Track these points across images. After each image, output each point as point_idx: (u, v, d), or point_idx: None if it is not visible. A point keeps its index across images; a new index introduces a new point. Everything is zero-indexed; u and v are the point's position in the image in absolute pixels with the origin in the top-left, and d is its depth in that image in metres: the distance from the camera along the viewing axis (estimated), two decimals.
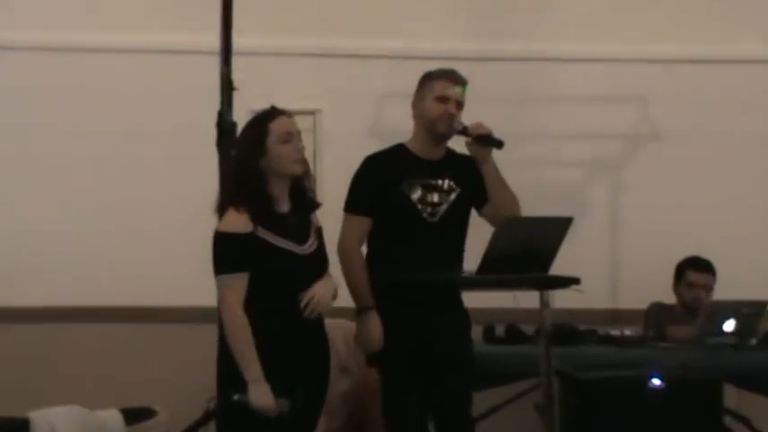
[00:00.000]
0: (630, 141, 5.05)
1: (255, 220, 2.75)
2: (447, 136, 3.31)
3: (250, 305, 2.75)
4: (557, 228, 3.09)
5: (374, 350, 3.20)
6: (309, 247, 2.82)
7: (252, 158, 2.79)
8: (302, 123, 4.92)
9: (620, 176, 5.03)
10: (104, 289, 4.73)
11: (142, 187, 4.83)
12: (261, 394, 2.68)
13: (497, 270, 3.01)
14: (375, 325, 3.18)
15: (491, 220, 3.31)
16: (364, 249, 3.35)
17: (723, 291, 4.45)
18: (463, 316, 3.35)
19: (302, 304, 2.75)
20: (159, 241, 4.77)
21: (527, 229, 3.08)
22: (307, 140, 5.02)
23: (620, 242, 5.00)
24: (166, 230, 4.77)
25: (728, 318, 4.05)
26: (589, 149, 5.03)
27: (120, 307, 4.73)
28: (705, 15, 5.03)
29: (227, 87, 3.50)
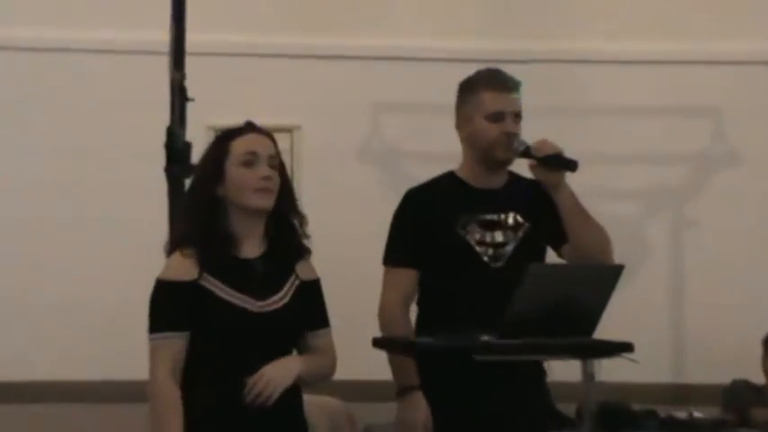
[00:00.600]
0: (700, 165, 5.07)
1: (203, 264, 2.74)
2: (508, 161, 3.31)
3: (187, 374, 2.75)
4: (604, 278, 3.01)
5: None
6: (273, 303, 2.79)
7: (207, 185, 2.79)
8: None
9: (686, 210, 5.05)
10: (28, 362, 4.78)
11: (71, 221, 4.84)
12: None
13: (525, 333, 2.94)
14: (419, 408, 3.19)
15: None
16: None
17: None
18: (538, 392, 3.34)
19: (246, 390, 2.72)
20: (96, 301, 4.79)
21: (564, 279, 3.00)
22: None
23: (687, 296, 5.00)
24: (103, 284, 4.79)
25: None
26: (647, 176, 4.99)
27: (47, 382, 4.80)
28: None
29: (179, 98, 3.51)
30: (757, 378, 4.59)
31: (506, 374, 3.14)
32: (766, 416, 4.29)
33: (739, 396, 4.49)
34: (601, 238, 3.28)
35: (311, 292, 2.92)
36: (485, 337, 3.06)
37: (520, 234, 3.30)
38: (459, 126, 3.36)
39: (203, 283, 2.75)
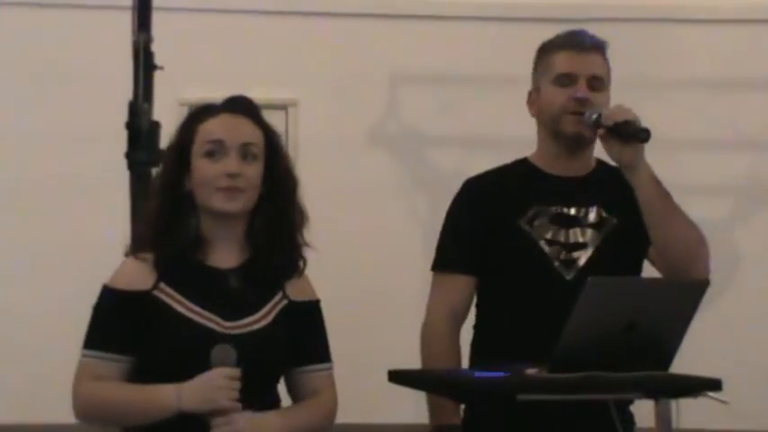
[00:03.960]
0: None
1: (161, 271, 2.70)
2: (581, 138, 3.22)
3: None
4: (683, 296, 2.89)
5: None
6: (246, 325, 2.72)
7: (169, 177, 2.76)
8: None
9: None
10: None
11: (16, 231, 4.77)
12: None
13: (581, 365, 2.86)
14: None
15: (665, 272, 3.18)
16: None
17: None
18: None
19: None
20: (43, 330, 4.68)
21: (633, 297, 2.88)
22: None
23: None
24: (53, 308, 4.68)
25: None
26: (742, 167, 4.98)
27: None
28: None
29: (144, 65, 3.51)
30: None
31: (580, 422, 3.06)
32: None
33: None
34: (691, 237, 3.16)
35: (306, 318, 2.82)
36: (530, 371, 2.94)
37: (604, 233, 3.24)
38: (530, 100, 3.31)
39: (158, 294, 2.69)
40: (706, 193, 4.94)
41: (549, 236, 3.21)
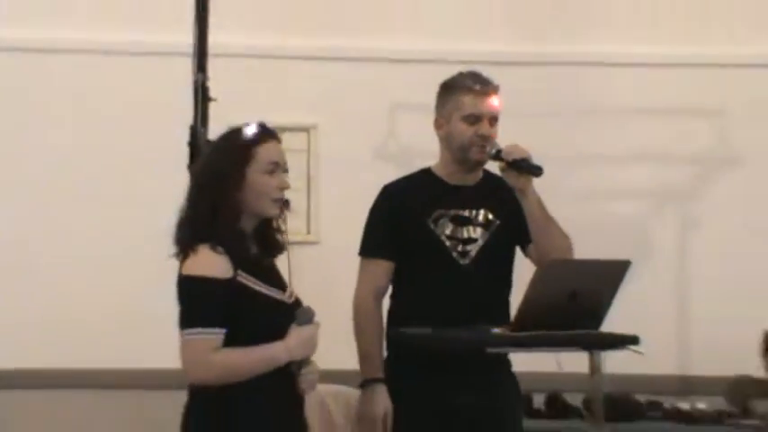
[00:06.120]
0: (703, 166, 5.04)
1: (235, 262, 2.76)
2: (481, 163, 3.37)
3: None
4: (611, 273, 3.06)
5: None
6: (292, 295, 2.86)
7: (230, 189, 2.79)
8: (294, 142, 4.92)
9: (690, 210, 5.02)
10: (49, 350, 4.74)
11: (94, 221, 4.81)
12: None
13: (536, 326, 2.98)
14: (380, 402, 3.24)
15: (538, 264, 3.30)
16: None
17: None
18: (508, 384, 3.39)
19: (305, 381, 2.77)
20: (113, 290, 4.76)
21: (573, 274, 3.05)
22: (299, 163, 4.82)
23: (692, 292, 4.95)
24: (123, 275, 4.75)
25: None
26: (652, 176, 4.98)
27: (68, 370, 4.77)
28: None
29: (201, 98, 3.58)
30: (759, 370, 4.57)
31: (473, 367, 3.20)
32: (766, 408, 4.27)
33: (741, 389, 4.49)
34: (563, 245, 3.31)
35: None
36: (496, 330, 3.10)
37: (490, 231, 3.34)
38: (437, 125, 3.41)
39: (241, 279, 2.77)
40: (627, 196, 4.96)
41: (448, 232, 3.33)
